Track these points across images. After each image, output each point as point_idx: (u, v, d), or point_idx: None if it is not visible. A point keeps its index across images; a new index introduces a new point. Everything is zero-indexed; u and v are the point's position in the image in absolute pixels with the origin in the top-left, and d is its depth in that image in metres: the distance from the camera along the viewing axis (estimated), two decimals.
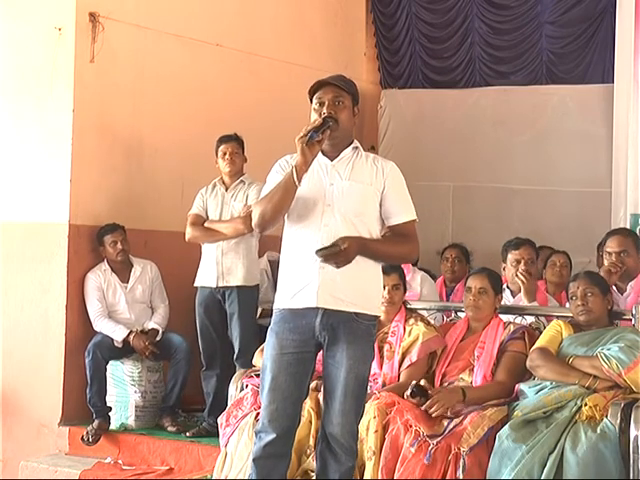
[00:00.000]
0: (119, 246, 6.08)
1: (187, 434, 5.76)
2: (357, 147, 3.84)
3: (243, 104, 7.01)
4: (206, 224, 5.69)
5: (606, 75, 7.75)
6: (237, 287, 5.62)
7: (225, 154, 5.71)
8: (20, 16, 6.25)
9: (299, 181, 3.64)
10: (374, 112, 8.66)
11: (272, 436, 3.69)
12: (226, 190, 5.75)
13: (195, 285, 5.78)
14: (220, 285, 5.64)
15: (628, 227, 6.77)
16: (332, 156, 3.79)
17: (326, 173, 3.76)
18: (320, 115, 3.72)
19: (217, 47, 6.96)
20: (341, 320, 3.66)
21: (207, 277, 5.69)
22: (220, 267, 5.62)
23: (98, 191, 6.20)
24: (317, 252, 3.55)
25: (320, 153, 3.77)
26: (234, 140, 5.75)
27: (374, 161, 3.82)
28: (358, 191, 3.74)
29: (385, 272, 4.67)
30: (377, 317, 3.81)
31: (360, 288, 3.70)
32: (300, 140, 3.63)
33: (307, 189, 3.71)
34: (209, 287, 5.69)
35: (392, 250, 3.78)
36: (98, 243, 6.13)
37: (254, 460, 3.76)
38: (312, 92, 3.81)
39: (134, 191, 6.41)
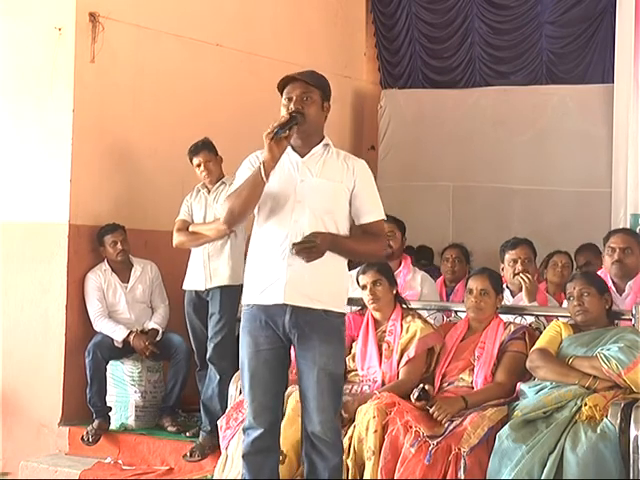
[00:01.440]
0: (119, 246, 6.08)
1: (187, 434, 5.77)
2: (328, 144, 3.87)
3: (243, 104, 7.01)
4: (190, 228, 5.69)
5: (606, 75, 7.76)
6: (221, 287, 5.61)
7: (199, 165, 5.70)
8: (20, 16, 6.25)
9: (267, 177, 3.69)
10: (374, 112, 8.67)
11: (260, 431, 3.76)
12: (208, 193, 5.74)
13: (184, 288, 5.77)
14: (208, 287, 5.63)
15: (628, 227, 6.78)
16: (303, 152, 3.82)
17: (297, 169, 3.80)
18: (288, 110, 3.75)
19: (217, 47, 6.96)
20: (310, 318, 3.71)
21: (195, 280, 5.66)
22: (207, 270, 5.60)
23: (98, 191, 6.20)
24: (294, 246, 3.62)
25: (291, 149, 3.81)
26: (203, 149, 5.68)
27: (344, 159, 3.86)
28: (328, 188, 3.78)
29: (363, 272, 4.72)
30: (345, 314, 3.87)
31: (327, 285, 3.75)
32: (267, 136, 3.67)
33: (278, 185, 3.75)
34: (197, 290, 5.68)
35: (361, 247, 3.85)
36: (98, 243, 6.13)
37: (244, 457, 3.83)
38: (281, 88, 3.83)
39: (134, 191, 6.41)
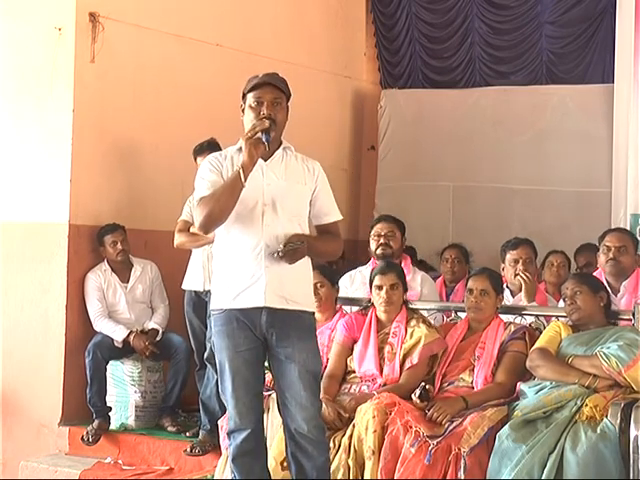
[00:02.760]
0: (119, 246, 6.08)
1: (187, 434, 5.77)
2: (287, 147, 3.90)
3: None
4: (191, 229, 5.70)
5: (606, 75, 7.75)
6: None
7: None
8: (20, 16, 6.25)
9: (245, 181, 3.68)
10: (374, 112, 8.66)
11: (246, 433, 3.76)
12: None
13: (183, 288, 5.78)
14: (207, 288, 5.62)
15: (628, 227, 6.78)
16: (265, 156, 3.81)
17: (261, 173, 3.80)
18: (259, 114, 3.77)
19: (217, 47, 6.96)
20: (286, 317, 3.74)
21: (195, 281, 5.67)
22: (207, 271, 5.60)
23: (98, 191, 6.20)
24: (283, 248, 3.66)
25: None
26: (207, 149, 5.61)
27: (303, 161, 3.91)
28: (295, 191, 3.83)
29: (382, 272, 4.69)
30: (314, 313, 3.93)
31: (301, 286, 3.82)
32: (249, 141, 3.68)
33: (244, 189, 3.72)
34: (196, 290, 5.69)
35: (325, 247, 3.93)
36: (98, 243, 6.13)
37: (233, 460, 3.82)
38: (248, 89, 3.84)
39: (134, 191, 6.41)
